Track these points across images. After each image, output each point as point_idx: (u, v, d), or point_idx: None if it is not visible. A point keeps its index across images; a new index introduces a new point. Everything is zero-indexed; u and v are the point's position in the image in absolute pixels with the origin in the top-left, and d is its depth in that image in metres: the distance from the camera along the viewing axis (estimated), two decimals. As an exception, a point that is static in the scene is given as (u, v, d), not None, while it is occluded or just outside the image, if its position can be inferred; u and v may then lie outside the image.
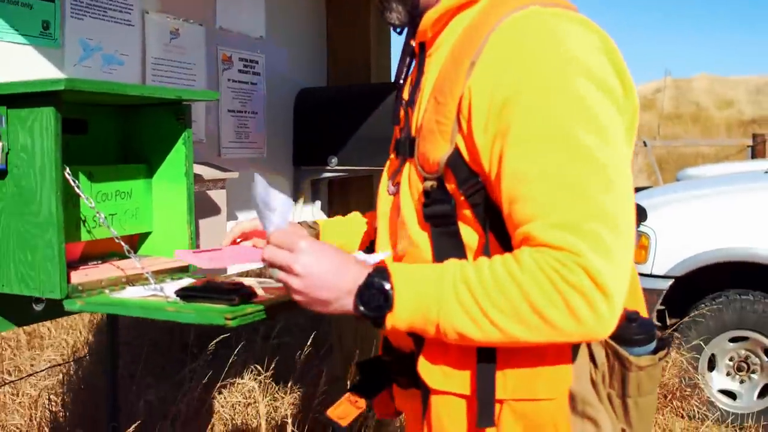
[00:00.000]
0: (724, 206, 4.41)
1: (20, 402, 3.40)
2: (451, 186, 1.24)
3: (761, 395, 4.23)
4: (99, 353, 3.77)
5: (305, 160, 2.76)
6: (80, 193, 1.53)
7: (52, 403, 3.32)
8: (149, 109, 1.78)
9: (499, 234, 1.21)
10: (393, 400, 1.52)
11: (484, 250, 1.23)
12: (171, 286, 1.51)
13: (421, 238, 1.30)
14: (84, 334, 4.26)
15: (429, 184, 1.26)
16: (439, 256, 1.26)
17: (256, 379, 3.15)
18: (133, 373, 3.39)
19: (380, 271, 1.19)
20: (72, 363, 3.65)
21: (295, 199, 2.81)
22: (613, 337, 1.19)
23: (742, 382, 4.29)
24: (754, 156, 11.58)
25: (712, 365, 4.31)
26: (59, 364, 3.62)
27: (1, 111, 1.49)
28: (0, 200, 1.51)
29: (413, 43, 1.41)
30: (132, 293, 1.52)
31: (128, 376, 3.45)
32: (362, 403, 1.47)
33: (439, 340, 1.18)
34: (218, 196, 2.17)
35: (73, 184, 1.50)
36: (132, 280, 1.61)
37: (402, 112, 1.43)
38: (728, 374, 4.31)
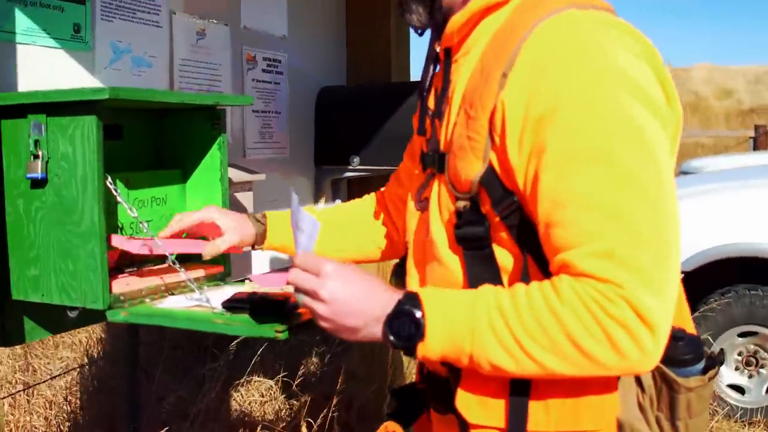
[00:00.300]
0: (732, 202, 4.41)
1: (36, 402, 3.39)
2: (485, 206, 1.18)
3: (770, 390, 4.25)
4: (114, 353, 3.75)
5: (327, 160, 2.74)
6: (124, 203, 1.51)
7: (69, 404, 3.31)
8: (183, 113, 1.76)
9: (538, 256, 1.15)
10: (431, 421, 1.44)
11: (523, 274, 1.16)
12: (214, 295, 1.50)
13: (452, 260, 1.24)
14: (98, 333, 4.24)
15: (461, 204, 1.19)
16: (472, 280, 1.20)
17: (274, 377, 3.15)
18: (151, 373, 3.39)
19: (411, 298, 1.13)
20: (89, 364, 3.62)
21: (316, 199, 2.80)
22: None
23: (750, 377, 4.30)
24: (756, 147, 11.56)
25: (720, 360, 4.31)
26: (80, 367, 3.60)
27: (40, 119, 1.47)
28: (40, 209, 1.49)
29: (437, 48, 1.33)
30: (174, 303, 1.51)
31: (145, 377, 3.44)
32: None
33: (474, 370, 1.13)
34: (245, 198, 2.15)
35: (115, 194, 1.48)
36: (171, 289, 1.60)
37: (428, 123, 1.35)
38: (737, 369, 4.32)
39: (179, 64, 2.12)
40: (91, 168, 1.42)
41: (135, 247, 1.53)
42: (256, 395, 3.18)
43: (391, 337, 1.13)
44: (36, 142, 1.47)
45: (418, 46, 1.41)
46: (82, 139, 1.43)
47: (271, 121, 2.50)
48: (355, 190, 2.96)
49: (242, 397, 3.21)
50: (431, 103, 1.35)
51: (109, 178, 1.46)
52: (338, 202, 2.91)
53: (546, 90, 1.09)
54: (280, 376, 3.26)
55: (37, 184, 1.48)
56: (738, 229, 4.22)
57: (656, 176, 1.07)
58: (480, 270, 1.20)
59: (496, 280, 1.18)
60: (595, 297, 1.03)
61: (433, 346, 1.11)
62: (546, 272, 1.14)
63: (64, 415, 3.25)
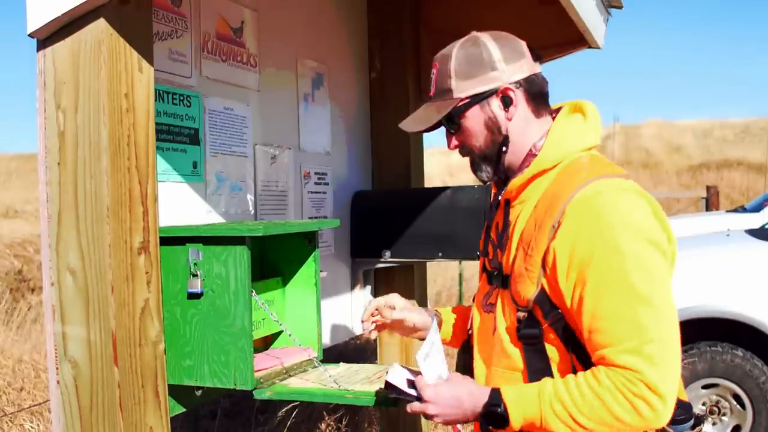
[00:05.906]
0: (693, 269, 4.89)
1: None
2: (538, 316, 1.70)
3: (732, 436, 4.75)
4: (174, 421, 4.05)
5: (361, 253, 3.25)
6: (266, 310, 2.00)
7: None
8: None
9: (576, 350, 1.67)
10: None
11: (570, 364, 1.68)
12: (332, 375, 1.98)
13: (514, 352, 1.75)
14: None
15: (521, 314, 1.71)
16: (529, 366, 1.72)
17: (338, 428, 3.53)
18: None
19: (495, 396, 1.65)
20: None
21: (353, 286, 3.28)
22: None
23: (714, 424, 4.74)
24: (708, 207, 12.41)
25: (704, 419, 4.75)
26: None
27: (198, 247, 1.95)
28: (196, 315, 1.96)
29: (500, 198, 1.86)
30: (301, 382, 1.99)
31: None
32: None
33: None
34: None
35: (262, 306, 1.97)
36: (288, 371, 2.08)
37: (491, 248, 1.89)
38: (702, 418, 4.79)
39: (261, 186, 2.63)
40: (242, 285, 1.91)
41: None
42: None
43: (489, 427, 1.68)
44: (195, 264, 1.95)
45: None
46: (235, 263, 1.91)
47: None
48: (381, 277, 3.46)
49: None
50: (493, 234, 1.89)
51: (254, 292, 1.94)
52: (368, 287, 3.40)
53: (585, 243, 1.62)
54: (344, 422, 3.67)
55: (194, 296, 1.96)
56: (698, 293, 4.72)
57: (658, 294, 1.60)
58: (535, 360, 1.73)
59: (547, 366, 1.71)
60: (623, 381, 1.56)
61: (513, 429, 1.65)
62: (581, 361, 1.67)
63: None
